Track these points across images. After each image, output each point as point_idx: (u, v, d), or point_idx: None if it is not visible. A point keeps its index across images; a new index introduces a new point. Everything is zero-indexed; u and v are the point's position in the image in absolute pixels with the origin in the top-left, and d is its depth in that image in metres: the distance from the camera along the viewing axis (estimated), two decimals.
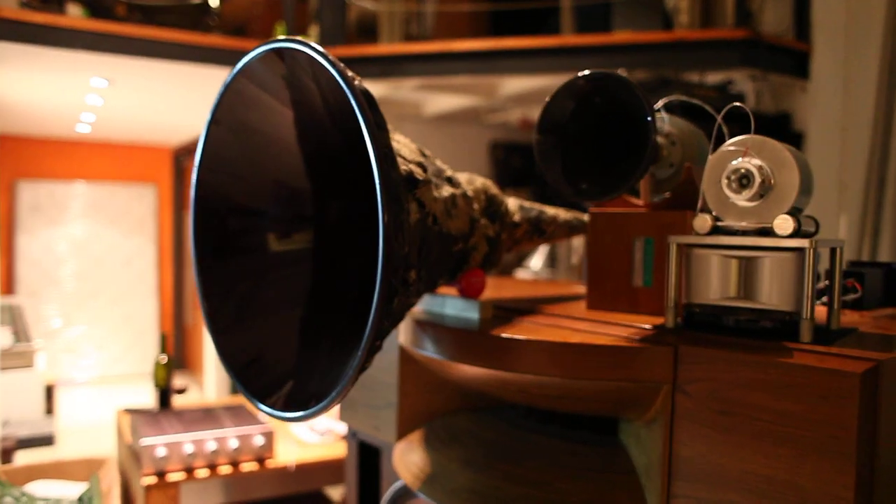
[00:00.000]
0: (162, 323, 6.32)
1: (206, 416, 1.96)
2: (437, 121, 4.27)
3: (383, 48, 2.94)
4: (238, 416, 1.98)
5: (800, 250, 0.72)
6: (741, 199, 0.76)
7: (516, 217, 1.05)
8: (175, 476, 1.80)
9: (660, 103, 0.96)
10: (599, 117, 0.87)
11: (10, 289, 5.59)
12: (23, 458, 3.33)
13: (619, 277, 0.93)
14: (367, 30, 3.59)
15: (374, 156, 0.66)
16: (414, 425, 1.10)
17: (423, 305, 1.04)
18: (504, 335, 0.81)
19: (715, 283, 0.77)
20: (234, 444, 1.81)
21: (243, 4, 4.05)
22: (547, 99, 0.86)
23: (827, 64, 2.64)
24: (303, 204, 0.98)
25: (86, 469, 1.98)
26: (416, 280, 0.76)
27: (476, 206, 0.95)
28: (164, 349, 2.14)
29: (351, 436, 1.30)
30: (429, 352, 0.91)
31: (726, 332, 0.76)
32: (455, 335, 0.87)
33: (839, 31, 2.56)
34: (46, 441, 3.54)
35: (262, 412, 0.82)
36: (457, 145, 4.40)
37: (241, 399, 2.44)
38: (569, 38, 2.71)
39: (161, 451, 1.70)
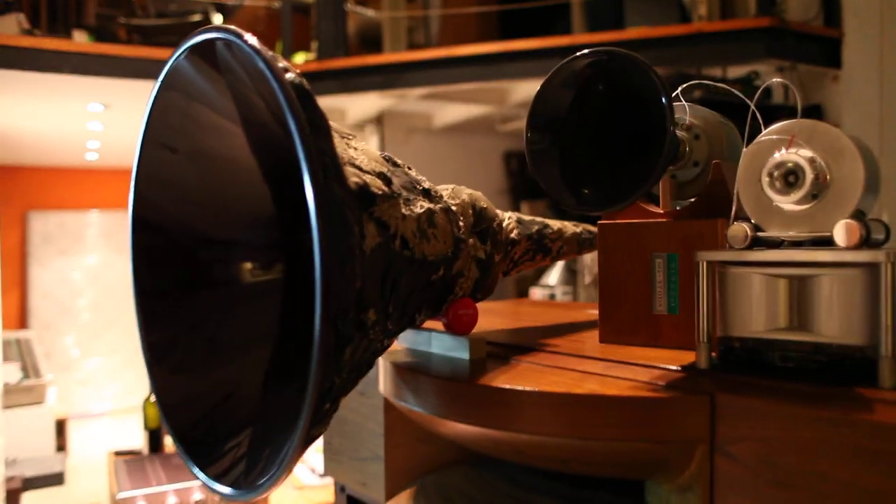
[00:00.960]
0: None
1: None
2: (448, 132, 4.12)
3: (384, 57, 2.80)
4: None
5: (871, 265, 0.55)
6: (788, 202, 0.60)
7: (514, 234, 0.89)
8: None
9: (678, 90, 0.80)
10: (605, 108, 0.71)
11: (22, 322, 5.53)
12: (30, 498, 3.22)
13: (638, 303, 0.76)
14: (371, 42, 3.46)
15: (307, 165, 0.51)
16: (404, 482, 0.94)
17: (408, 343, 0.88)
18: (494, 384, 0.64)
19: (759, 311, 0.60)
20: None
21: (245, 21, 3.96)
22: (540, 88, 0.70)
23: (860, 50, 2.44)
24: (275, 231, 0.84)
25: None
26: (377, 321, 0.60)
27: (462, 223, 0.79)
28: None
29: (339, 490, 1.14)
30: (410, 404, 0.75)
31: (777, 375, 0.59)
32: (438, 385, 0.70)
33: (873, 14, 2.37)
34: (56, 480, 3.43)
35: (196, 476, 0.67)
36: (470, 157, 4.25)
37: None
38: (579, 38, 2.55)
39: None
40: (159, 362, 0.76)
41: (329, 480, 2.08)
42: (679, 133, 0.78)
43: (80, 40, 3.22)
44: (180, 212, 0.77)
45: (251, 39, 0.57)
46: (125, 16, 3.69)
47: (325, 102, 3.33)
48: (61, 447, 3.85)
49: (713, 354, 0.64)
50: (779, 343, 0.60)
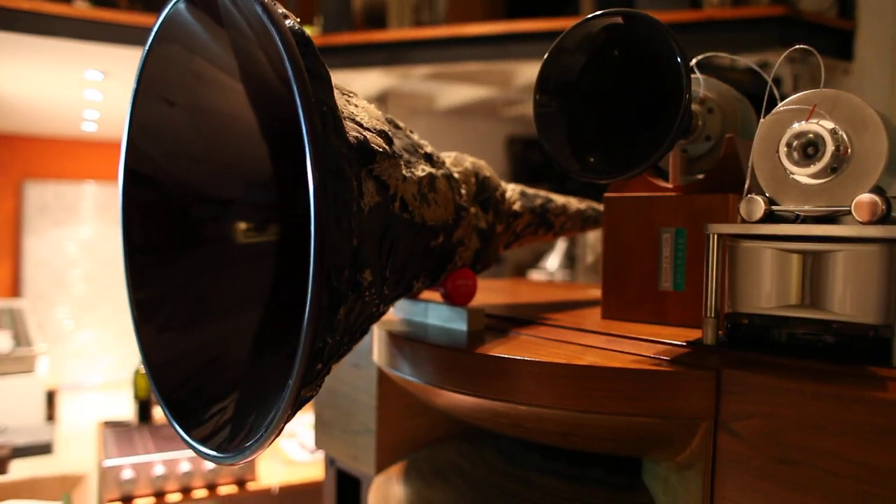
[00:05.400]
0: None
1: None
2: (451, 115, 4.09)
3: (389, 34, 2.76)
4: None
5: (890, 242, 0.53)
6: (806, 175, 0.57)
7: (516, 206, 0.87)
8: (142, 501, 1.63)
9: (693, 61, 0.77)
10: (617, 75, 0.68)
11: (15, 291, 5.50)
12: (18, 466, 3.20)
13: (643, 279, 0.74)
14: (376, 19, 3.41)
15: (304, 113, 0.48)
16: (395, 456, 0.92)
17: (403, 314, 0.86)
18: (493, 353, 0.62)
19: (770, 287, 0.58)
20: (211, 464, 1.64)
21: None
22: (551, 49, 0.67)
23: (873, 43, 2.41)
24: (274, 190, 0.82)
25: (61, 487, 1.83)
26: (373, 282, 0.58)
27: (464, 191, 0.77)
28: None
29: (329, 463, 1.12)
30: (406, 374, 0.73)
31: (785, 352, 0.57)
32: (434, 353, 0.68)
33: (887, 7, 2.33)
34: (44, 449, 3.41)
35: (181, 438, 0.65)
36: (472, 140, 4.21)
37: None
38: None
39: (127, 474, 1.54)
40: (147, 320, 0.74)
41: (319, 456, 2.07)
42: (692, 106, 0.75)
43: (81, 6, 3.18)
44: (175, 167, 0.75)
45: None
46: None
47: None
48: (51, 417, 3.84)
49: (720, 332, 0.62)
50: (789, 320, 0.58)
